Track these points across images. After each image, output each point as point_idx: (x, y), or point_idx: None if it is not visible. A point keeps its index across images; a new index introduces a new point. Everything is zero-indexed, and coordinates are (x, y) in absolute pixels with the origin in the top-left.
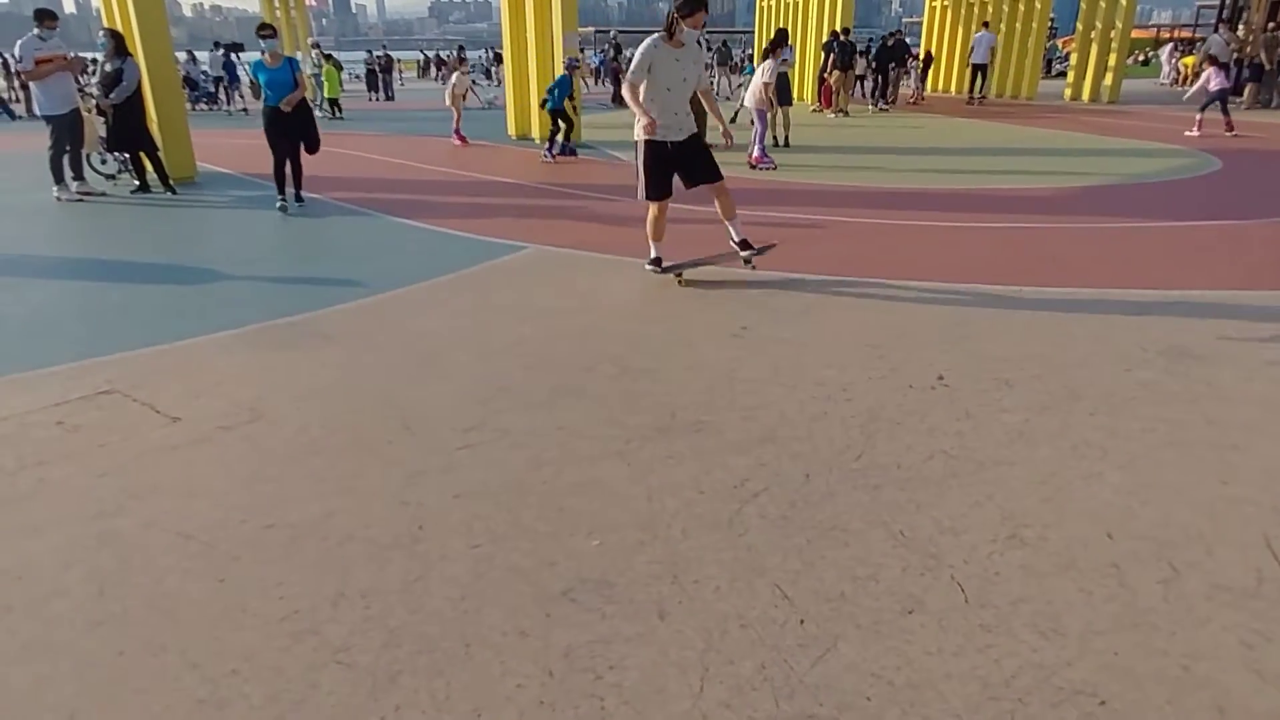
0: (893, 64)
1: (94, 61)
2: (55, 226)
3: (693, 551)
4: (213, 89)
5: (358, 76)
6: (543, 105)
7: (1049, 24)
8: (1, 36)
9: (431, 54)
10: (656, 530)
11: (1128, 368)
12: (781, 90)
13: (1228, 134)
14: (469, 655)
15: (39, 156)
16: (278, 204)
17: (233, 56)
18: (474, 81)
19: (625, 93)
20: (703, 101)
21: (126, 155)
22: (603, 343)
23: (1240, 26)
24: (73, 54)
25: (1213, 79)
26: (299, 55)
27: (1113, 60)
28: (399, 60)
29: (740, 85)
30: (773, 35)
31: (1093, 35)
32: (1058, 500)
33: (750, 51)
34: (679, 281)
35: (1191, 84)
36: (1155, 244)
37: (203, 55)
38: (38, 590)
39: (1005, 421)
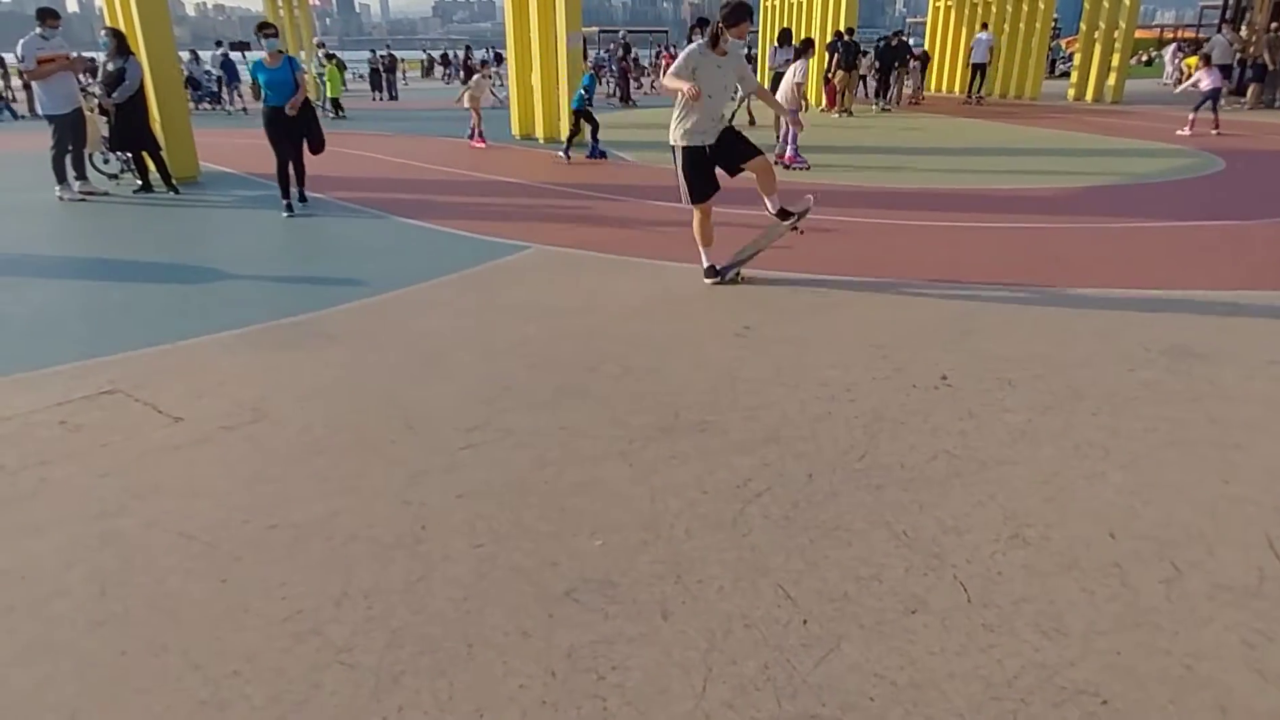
0: (895, 64)
1: (91, 60)
2: (58, 226)
3: (696, 551)
4: (216, 88)
5: (362, 76)
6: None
7: (1052, 24)
8: (4, 36)
9: (437, 54)
10: (659, 530)
11: (1130, 367)
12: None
13: (1213, 133)
14: (471, 656)
15: (41, 156)
16: (283, 206)
17: (231, 55)
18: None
19: (665, 80)
20: (762, 100)
21: (129, 155)
22: (606, 342)
23: (1243, 27)
24: (75, 53)
25: (1204, 79)
26: (302, 55)
27: (1116, 60)
28: (403, 60)
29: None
30: (780, 35)
31: (1096, 35)
32: (1060, 500)
33: (754, 51)
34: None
35: (1185, 80)
36: (1158, 244)
37: (206, 55)
38: (39, 590)
39: (1008, 421)
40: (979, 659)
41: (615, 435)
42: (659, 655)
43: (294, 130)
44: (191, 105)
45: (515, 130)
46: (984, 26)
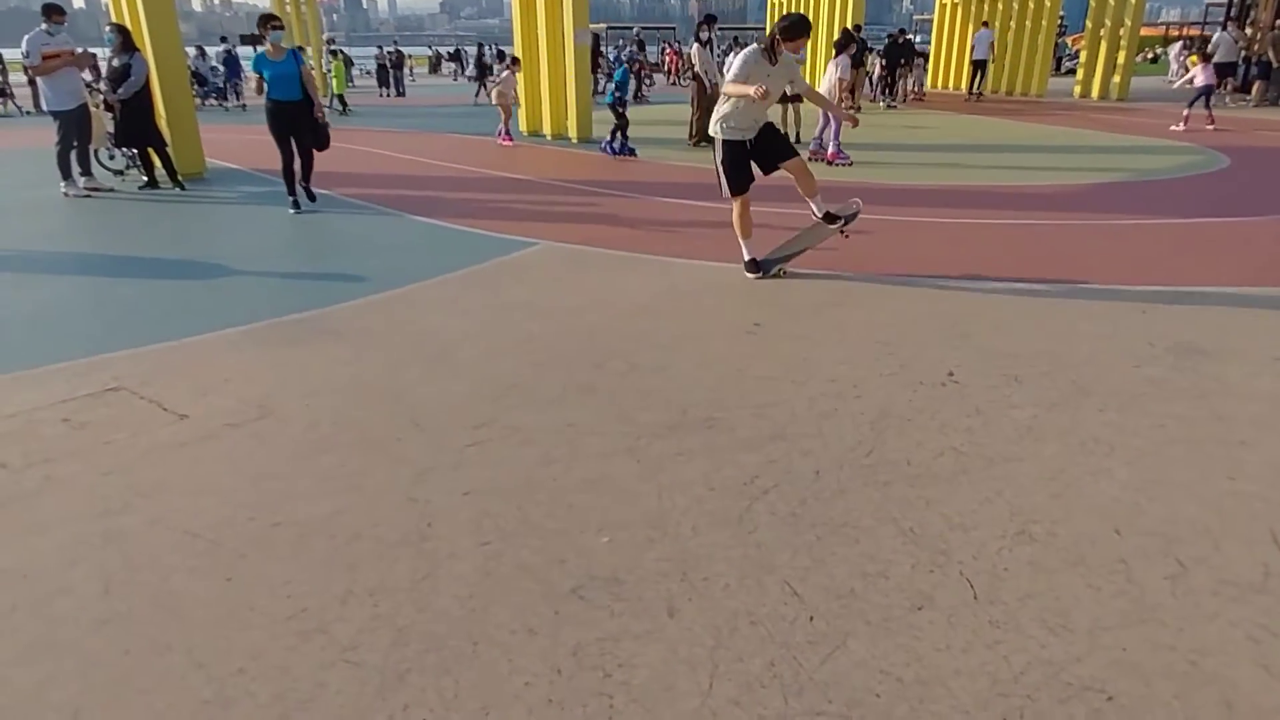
0: (901, 60)
1: (94, 55)
2: (63, 222)
3: (702, 549)
4: (222, 84)
5: (369, 72)
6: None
7: (1059, 21)
8: (10, 31)
9: (447, 50)
10: (666, 527)
11: (1136, 364)
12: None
13: (1208, 128)
14: (477, 654)
15: (46, 152)
16: (289, 203)
17: (234, 51)
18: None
19: (727, 87)
20: (810, 99)
21: (135, 151)
22: (613, 339)
23: (1248, 25)
24: (81, 48)
25: (1199, 75)
26: (307, 51)
27: (1122, 58)
28: (410, 56)
29: None
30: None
31: (1102, 33)
32: (1066, 496)
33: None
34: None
35: (1182, 75)
36: (1164, 240)
37: (213, 50)
38: (42, 588)
39: (1014, 418)
40: (985, 655)
41: (622, 432)
42: (665, 652)
43: (299, 126)
44: (198, 101)
45: (523, 127)
46: (985, 24)
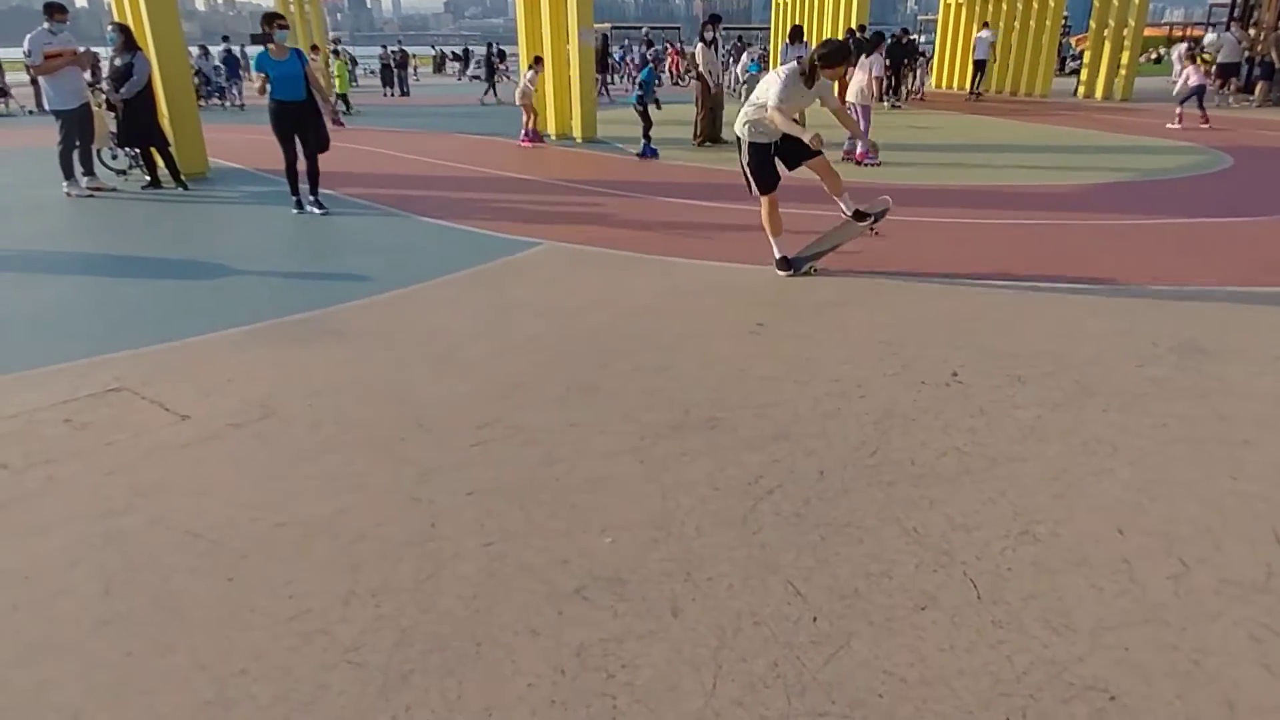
0: (905, 60)
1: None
2: (65, 222)
3: (706, 549)
4: (225, 84)
5: (373, 72)
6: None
7: (1062, 22)
8: (12, 30)
9: (452, 50)
10: (670, 528)
11: (1139, 364)
12: None
13: (1203, 126)
14: (480, 654)
15: (49, 152)
16: (293, 203)
17: (234, 50)
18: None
19: (777, 118)
20: (837, 116)
21: (137, 150)
22: (617, 339)
23: (1251, 25)
24: (84, 48)
25: (1192, 76)
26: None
27: (1125, 58)
28: (414, 55)
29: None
30: (792, 32)
31: (1105, 33)
32: (1069, 496)
33: (766, 50)
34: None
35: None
36: (1167, 240)
37: (216, 50)
38: (44, 589)
39: (1018, 418)
40: (988, 655)
41: (626, 432)
42: (669, 653)
43: (303, 126)
44: (201, 101)
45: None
46: (984, 25)
